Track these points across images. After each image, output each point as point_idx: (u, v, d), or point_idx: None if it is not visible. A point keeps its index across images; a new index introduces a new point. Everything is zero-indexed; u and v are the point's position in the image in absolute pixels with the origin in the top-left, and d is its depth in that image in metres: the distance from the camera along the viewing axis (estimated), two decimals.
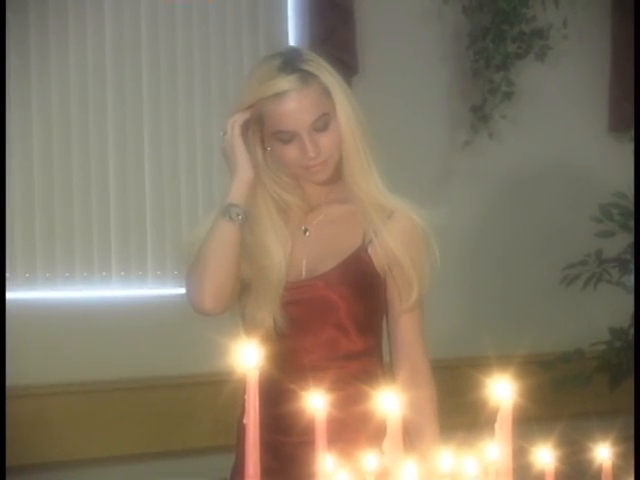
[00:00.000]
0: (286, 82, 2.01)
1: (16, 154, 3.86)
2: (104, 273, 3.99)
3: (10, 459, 3.45)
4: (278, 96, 2.01)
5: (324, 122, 2.04)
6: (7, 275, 3.84)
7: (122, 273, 4.01)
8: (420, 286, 2.09)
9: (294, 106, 2.02)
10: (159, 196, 4.08)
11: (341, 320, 2.07)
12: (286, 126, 2.02)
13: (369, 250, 2.09)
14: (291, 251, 2.10)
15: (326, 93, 2.05)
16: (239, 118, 2.06)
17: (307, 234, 2.13)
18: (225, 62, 4.19)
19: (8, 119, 3.84)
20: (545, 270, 4.63)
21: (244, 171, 2.06)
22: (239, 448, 2.13)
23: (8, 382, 3.47)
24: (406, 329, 2.12)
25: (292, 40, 4.30)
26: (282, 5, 4.29)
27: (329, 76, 2.07)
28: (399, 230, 2.10)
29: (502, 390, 1.15)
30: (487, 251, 4.66)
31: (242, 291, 2.08)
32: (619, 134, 4.84)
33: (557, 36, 4.60)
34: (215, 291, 2.03)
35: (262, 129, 2.07)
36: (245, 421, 1.18)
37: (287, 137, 2.03)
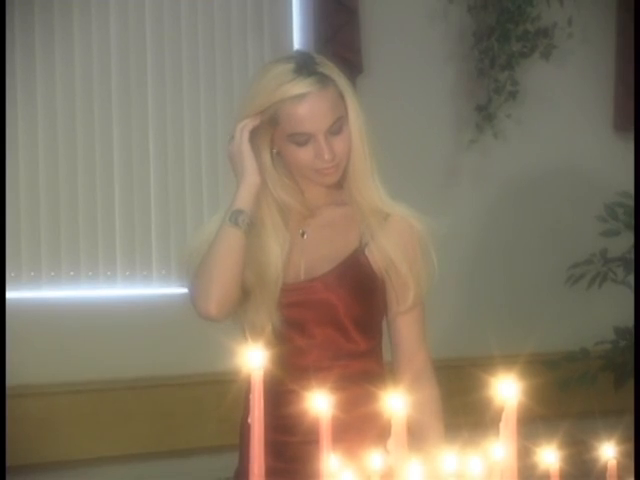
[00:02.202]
0: (305, 84, 2.01)
1: (22, 153, 3.87)
2: (109, 272, 3.99)
3: (16, 458, 3.46)
4: (297, 98, 2.01)
5: (339, 126, 2.05)
6: (12, 275, 3.85)
7: (127, 273, 4.02)
8: (417, 288, 2.09)
9: (313, 109, 2.02)
10: (164, 195, 4.09)
11: (341, 321, 2.07)
12: (304, 128, 2.02)
13: (366, 252, 2.09)
14: (290, 253, 2.11)
15: (340, 97, 2.06)
16: (249, 123, 2.06)
17: (305, 236, 2.14)
18: (230, 61, 4.19)
19: (14, 117, 3.85)
20: (550, 269, 4.63)
21: (251, 177, 2.06)
22: (243, 448, 2.13)
23: (13, 381, 3.49)
24: (406, 330, 2.13)
25: (297, 39, 4.31)
26: (287, 4, 4.30)
27: (343, 80, 2.08)
28: (395, 232, 2.10)
29: (507, 389, 1.15)
30: (492, 250, 4.66)
31: (243, 297, 2.09)
32: (624, 133, 4.84)
33: (562, 35, 4.60)
34: (221, 297, 2.03)
35: (274, 132, 2.07)
36: (250, 421, 1.18)
37: (303, 140, 2.03)
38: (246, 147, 2.06)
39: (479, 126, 4.52)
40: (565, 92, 4.78)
